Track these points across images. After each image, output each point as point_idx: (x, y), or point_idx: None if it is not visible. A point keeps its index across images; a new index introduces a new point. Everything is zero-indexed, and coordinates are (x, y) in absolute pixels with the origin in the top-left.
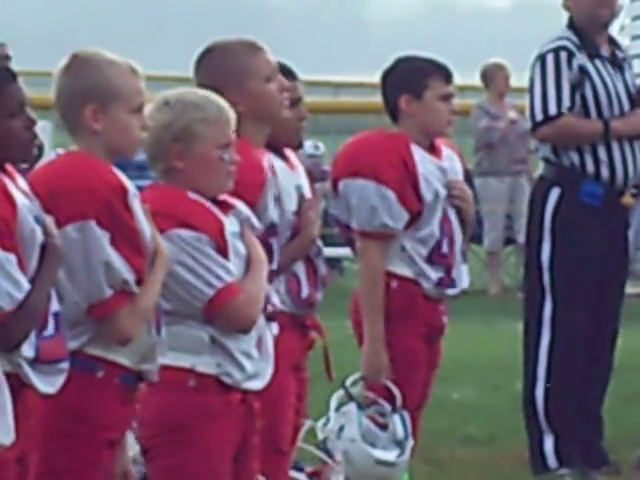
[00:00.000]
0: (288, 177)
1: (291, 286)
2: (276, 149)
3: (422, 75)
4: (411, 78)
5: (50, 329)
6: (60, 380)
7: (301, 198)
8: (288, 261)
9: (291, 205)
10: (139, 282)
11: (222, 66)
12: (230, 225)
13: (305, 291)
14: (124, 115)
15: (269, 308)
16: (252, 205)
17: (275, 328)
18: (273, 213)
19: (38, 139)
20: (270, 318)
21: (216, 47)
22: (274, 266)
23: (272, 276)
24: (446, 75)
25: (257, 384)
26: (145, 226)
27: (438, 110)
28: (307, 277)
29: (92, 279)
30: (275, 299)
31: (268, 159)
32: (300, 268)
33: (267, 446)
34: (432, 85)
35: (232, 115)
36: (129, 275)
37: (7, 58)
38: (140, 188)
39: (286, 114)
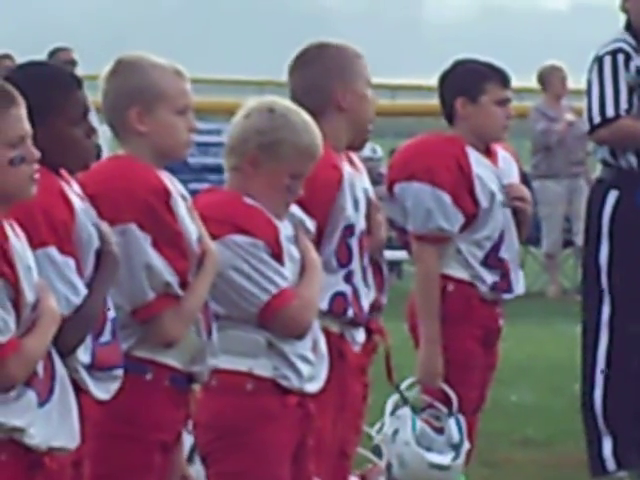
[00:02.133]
0: (356, 180)
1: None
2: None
3: (479, 79)
4: (468, 81)
5: (106, 335)
6: (114, 387)
7: (369, 201)
8: None
9: (363, 208)
10: (183, 284)
11: (338, 61)
12: (285, 229)
13: (371, 295)
14: (169, 116)
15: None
16: (327, 203)
17: (362, 334)
18: (351, 214)
19: (96, 149)
20: (357, 323)
21: (331, 44)
22: (352, 267)
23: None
24: (503, 79)
25: (313, 387)
26: (190, 228)
27: (494, 114)
28: (374, 280)
29: (134, 282)
30: (366, 303)
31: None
32: (369, 271)
33: (335, 450)
34: (488, 89)
35: (319, 152)
36: (172, 277)
37: (73, 63)
38: (197, 191)
39: (371, 127)
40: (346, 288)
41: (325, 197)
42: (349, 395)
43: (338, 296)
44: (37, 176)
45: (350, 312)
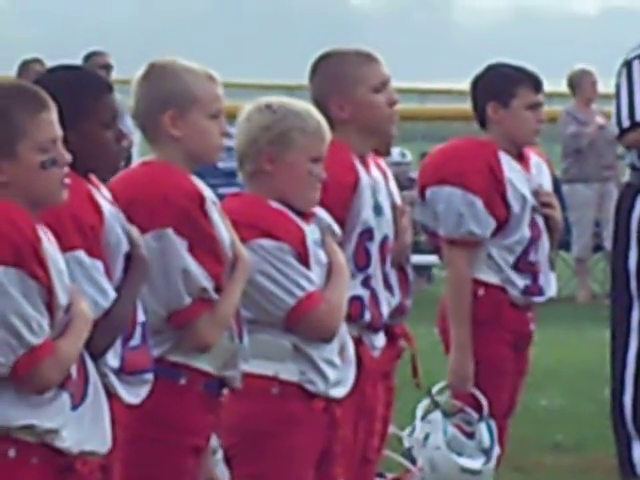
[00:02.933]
0: (379, 185)
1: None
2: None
3: (510, 83)
4: (499, 86)
5: (136, 340)
6: (144, 391)
7: (394, 206)
8: None
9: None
10: (218, 289)
11: (332, 71)
12: (311, 233)
13: (397, 299)
14: (203, 120)
15: (367, 317)
16: (342, 206)
17: (382, 339)
18: (370, 217)
19: (125, 153)
20: (375, 328)
21: (331, 53)
22: (370, 271)
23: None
24: (535, 84)
25: (340, 391)
26: (224, 233)
27: (525, 119)
28: (399, 284)
29: (171, 287)
30: (385, 309)
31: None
32: (392, 275)
33: (357, 455)
34: (520, 93)
35: (328, 133)
36: (207, 282)
37: (108, 67)
38: (227, 196)
39: (393, 128)
40: (363, 292)
41: (339, 200)
42: (366, 400)
43: (355, 300)
44: (67, 181)
45: (367, 316)
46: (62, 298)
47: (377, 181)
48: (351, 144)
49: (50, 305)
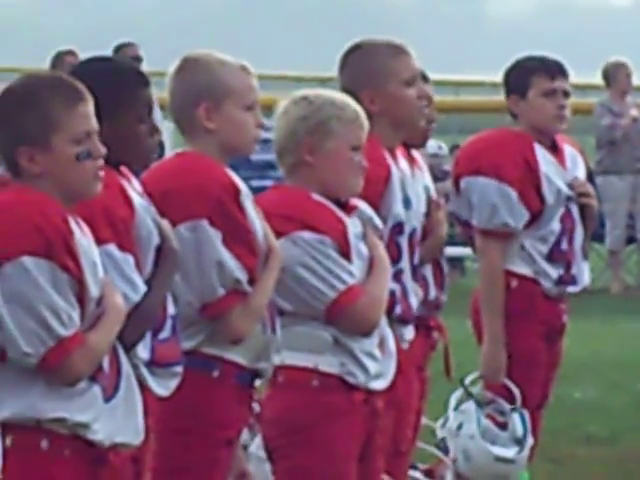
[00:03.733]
0: (416, 178)
1: (419, 287)
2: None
3: (524, 74)
4: (516, 79)
5: (166, 332)
6: (174, 383)
7: (429, 199)
8: (419, 263)
9: (421, 206)
10: (251, 281)
11: (363, 64)
12: (353, 226)
13: (432, 293)
14: (238, 112)
15: (398, 310)
16: (375, 200)
17: (411, 331)
18: (400, 212)
19: (158, 147)
20: (405, 321)
21: (362, 45)
22: (401, 265)
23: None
24: (551, 71)
25: (380, 384)
26: (258, 225)
27: (542, 106)
28: (434, 278)
29: (204, 279)
30: (414, 301)
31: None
32: (427, 269)
33: (388, 447)
34: (534, 82)
35: (366, 121)
36: (241, 274)
37: (138, 59)
38: (262, 188)
39: (423, 122)
40: (394, 286)
41: (372, 194)
42: (397, 392)
43: None
44: (102, 174)
45: (398, 309)
46: (93, 290)
47: (406, 174)
48: (381, 137)
49: (81, 297)
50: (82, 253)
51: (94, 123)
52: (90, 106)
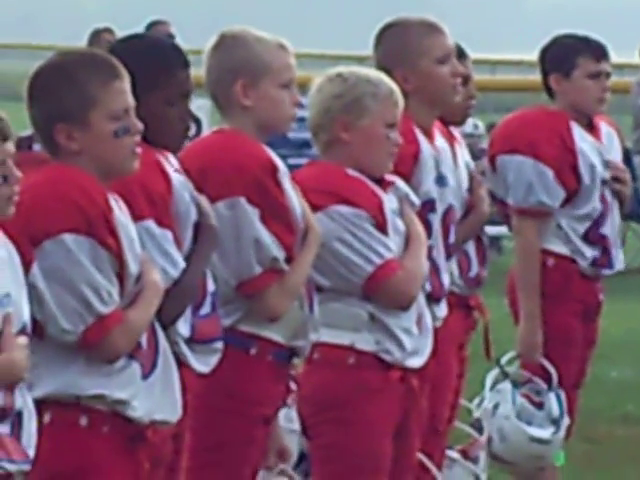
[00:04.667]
0: (458, 155)
1: (462, 264)
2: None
3: (570, 54)
4: (560, 57)
5: (206, 308)
6: (214, 360)
7: (471, 175)
8: (462, 240)
9: (463, 184)
10: (289, 259)
11: (396, 42)
12: (389, 202)
13: (474, 270)
14: (274, 90)
15: (428, 287)
16: (405, 177)
17: (444, 309)
18: (431, 189)
19: (189, 132)
20: (436, 298)
21: (395, 23)
22: (431, 242)
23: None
24: (596, 52)
25: (417, 361)
26: (296, 203)
27: (587, 88)
28: (477, 255)
29: (242, 256)
30: (445, 279)
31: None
32: (470, 246)
33: (426, 426)
34: (580, 63)
35: (401, 98)
36: (279, 252)
37: (170, 37)
38: (299, 166)
39: (457, 99)
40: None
41: (401, 171)
42: (434, 370)
43: None
44: (139, 150)
45: (428, 287)
46: (133, 267)
47: (441, 152)
48: (415, 115)
49: (120, 274)
50: (121, 230)
51: (130, 99)
52: (126, 82)
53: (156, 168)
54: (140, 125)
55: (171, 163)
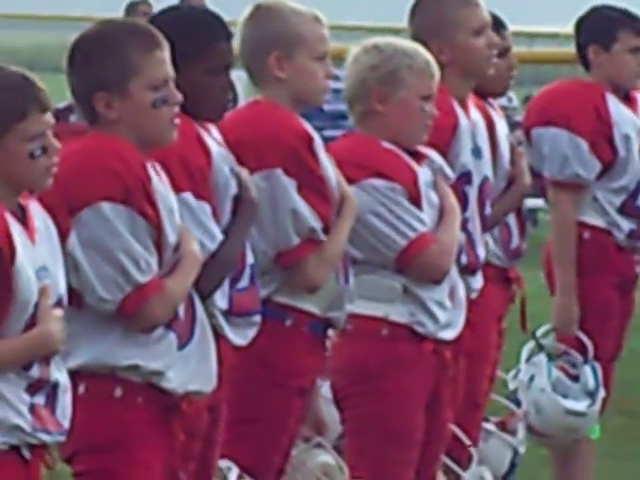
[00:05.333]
0: (500, 127)
1: (503, 236)
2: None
3: (611, 26)
4: (600, 29)
5: (244, 281)
6: (252, 333)
7: (512, 148)
8: (504, 211)
9: (505, 155)
10: (326, 230)
11: (432, 14)
12: (423, 175)
13: (515, 241)
14: (308, 62)
15: (464, 260)
16: (442, 149)
17: (479, 281)
18: (468, 161)
19: (230, 103)
20: (472, 270)
21: None
22: (467, 214)
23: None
24: (637, 27)
25: (450, 334)
26: (331, 174)
27: (626, 63)
28: (517, 227)
29: (279, 227)
30: (481, 251)
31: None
32: (511, 218)
33: (464, 399)
34: (621, 37)
35: (437, 70)
36: (316, 223)
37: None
38: (334, 138)
39: (492, 71)
40: (460, 235)
41: (438, 143)
42: (468, 342)
43: None
44: (177, 121)
45: (464, 259)
46: (171, 237)
47: (476, 124)
48: (451, 87)
49: (159, 244)
50: (160, 199)
51: (170, 70)
52: (166, 52)
53: (195, 141)
54: (179, 96)
55: (213, 136)
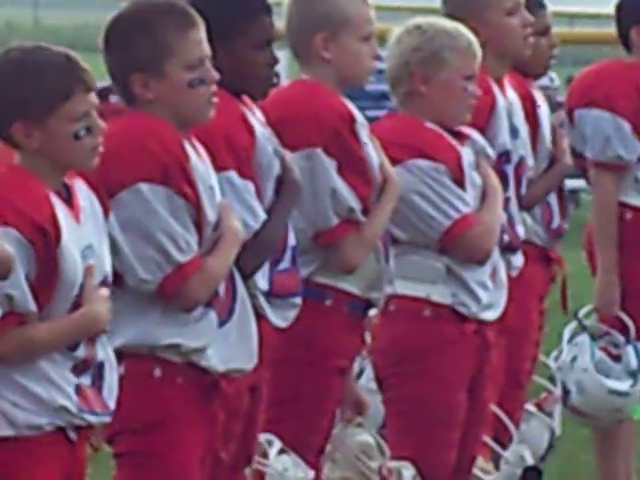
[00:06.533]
0: (542, 107)
1: (545, 216)
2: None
3: None
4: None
5: (285, 263)
6: (292, 314)
7: (554, 128)
8: (545, 191)
9: (546, 134)
10: (365, 211)
11: None
12: (466, 155)
13: (556, 221)
14: (354, 43)
15: (506, 238)
16: (481, 129)
17: (520, 259)
18: (506, 140)
19: (275, 78)
20: (513, 249)
21: None
22: (508, 193)
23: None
24: None
25: (492, 314)
26: (373, 155)
27: None
28: (558, 207)
29: (319, 207)
30: (520, 229)
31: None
32: (552, 198)
33: (507, 379)
34: None
35: (479, 50)
36: (355, 203)
37: None
38: (377, 119)
39: (529, 51)
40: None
41: (477, 123)
42: (510, 322)
43: None
44: (215, 99)
45: (505, 237)
46: (210, 215)
47: (512, 103)
48: (487, 67)
49: (198, 222)
50: (198, 178)
51: (207, 48)
52: (202, 31)
53: (240, 119)
54: (216, 75)
55: (257, 116)
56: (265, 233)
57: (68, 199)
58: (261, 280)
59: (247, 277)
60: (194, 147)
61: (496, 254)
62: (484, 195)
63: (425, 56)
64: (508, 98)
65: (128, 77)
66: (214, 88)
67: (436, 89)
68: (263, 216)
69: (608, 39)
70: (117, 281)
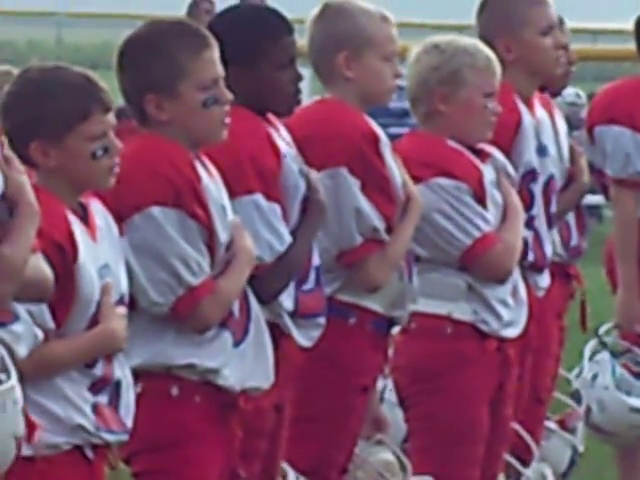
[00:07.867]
0: (560, 124)
1: (563, 234)
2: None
3: None
4: None
5: (310, 283)
6: (317, 334)
7: (572, 146)
8: (563, 210)
9: (565, 152)
10: (389, 230)
11: (500, 11)
12: (488, 173)
13: (574, 239)
14: (376, 62)
15: (530, 257)
16: (506, 147)
17: (546, 279)
18: (532, 159)
19: (300, 94)
20: (538, 268)
21: None
22: (534, 212)
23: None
24: None
25: (513, 332)
26: (396, 174)
27: None
28: (577, 225)
29: (343, 226)
30: (548, 248)
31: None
32: (570, 216)
33: (528, 396)
34: None
35: (498, 67)
36: (379, 223)
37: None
38: (399, 136)
39: (559, 71)
40: (527, 233)
41: (502, 141)
42: (531, 340)
43: None
44: (228, 120)
45: (530, 256)
46: (222, 236)
47: (541, 122)
48: (516, 85)
49: (210, 244)
50: (210, 198)
51: (220, 69)
52: (215, 52)
53: (266, 141)
54: (229, 95)
55: (282, 136)
56: (290, 255)
57: (84, 218)
58: (286, 300)
59: (272, 299)
60: (205, 166)
61: (516, 271)
62: (505, 214)
63: (444, 75)
64: (537, 116)
65: (142, 98)
66: (227, 108)
67: (456, 107)
68: (288, 239)
69: (630, 55)
70: (131, 304)
